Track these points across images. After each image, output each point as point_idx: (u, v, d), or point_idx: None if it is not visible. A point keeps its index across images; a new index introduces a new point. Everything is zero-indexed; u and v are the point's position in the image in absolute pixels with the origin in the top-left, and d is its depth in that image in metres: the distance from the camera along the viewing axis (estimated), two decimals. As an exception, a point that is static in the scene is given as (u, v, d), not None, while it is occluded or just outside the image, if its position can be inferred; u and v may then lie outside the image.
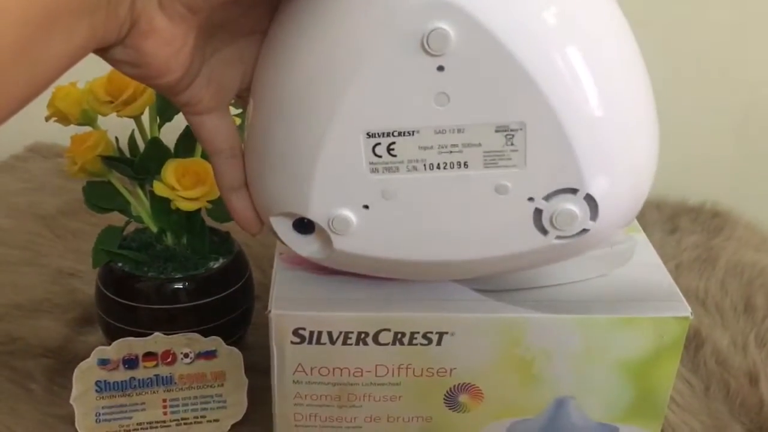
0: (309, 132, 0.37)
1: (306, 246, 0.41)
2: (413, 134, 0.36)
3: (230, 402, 0.53)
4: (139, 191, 0.56)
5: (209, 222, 0.57)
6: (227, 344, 0.53)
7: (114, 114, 0.52)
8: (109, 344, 0.52)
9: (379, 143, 0.36)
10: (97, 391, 0.52)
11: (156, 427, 0.52)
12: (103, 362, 0.52)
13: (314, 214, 0.39)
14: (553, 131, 0.35)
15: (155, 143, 0.53)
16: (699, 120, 0.87)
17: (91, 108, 0.52)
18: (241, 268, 0.57)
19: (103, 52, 0.33)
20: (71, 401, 0.51)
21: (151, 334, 0.52)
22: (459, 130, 0.35)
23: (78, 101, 0.53)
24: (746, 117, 0.88)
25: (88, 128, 0.55)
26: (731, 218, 0.79)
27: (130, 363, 0.52)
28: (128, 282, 0.54)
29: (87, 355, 0.51)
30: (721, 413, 0.56)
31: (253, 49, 0.38)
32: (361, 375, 0.44)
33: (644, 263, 0.47)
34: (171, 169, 0.52)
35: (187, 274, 0.55)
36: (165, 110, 0.55)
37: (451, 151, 0.36)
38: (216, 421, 0.53)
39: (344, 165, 0.37)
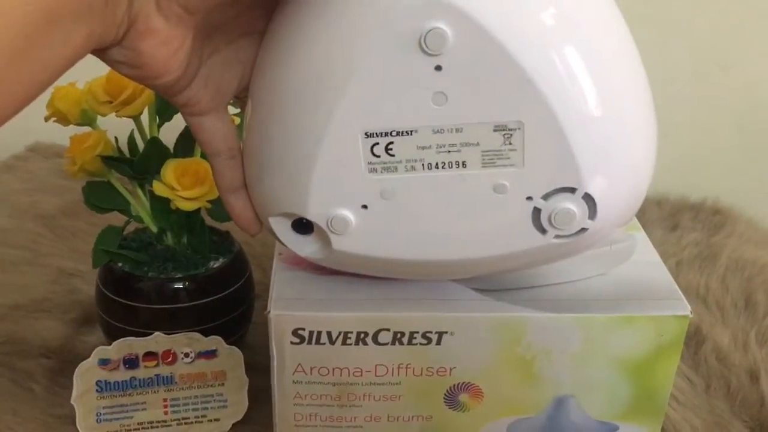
0: (307, 132, 0.37)
1: (305, 246, 0.41)
2: (411, 134, 0.36)
3: (231, 401, 0.53)
4: (139, 191, 0.56)
5: (209, 221, 0.57)
6: (228, 344, 0.53)
7: (113, 114, 0.52)
8: (110, 344, 0.52)
9: (377, 143, 0.36)
10: (97, 390, 0.52)
11: (157, 427, 0.52)
12: (104, 362, 0.52)
13: (313, 215, 0.39)
14: (551, 130, 0.35)
15: (154, 143, 0.53)
16: (699, 116, 0.87)
17: (90, 108, 0.52)
18: (242, 267, 0.57)
19: (100, 53, 0.34)
20: (72, 401, 0.51)
21: (152, 333, 0.52)
22: (457, 130, 0.35)
23: (77, 101, 0.53)
24: (747, 113, 0.88)
25: (87, 128, 0.55)
26: (732, 215, 0.79)
27: (131, 363, 0.52)
28: (128, 282, 0.54)
29: (88, 355, 0.51)
30: (721, 411, 0.55)
31: (251, 49, 0.38)
32: (361, 375, 0.44)
33: (644, 262, 0.47)
34: (170, 169, 0.52)
35: (187, 273, 0.55)
36: (164, 110, 0.55)
37: (449, 151, 0.36)
38: (216, 420, 0.53)
39: (343, 165, 0.37)
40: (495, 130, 0.35)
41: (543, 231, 0.37)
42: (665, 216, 0.78)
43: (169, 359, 0.52)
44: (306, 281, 0.45)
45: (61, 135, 0.57)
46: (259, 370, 0.52)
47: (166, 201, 0.52)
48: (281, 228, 0.41)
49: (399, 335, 0.43)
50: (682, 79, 0.84)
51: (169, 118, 0.55)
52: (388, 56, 0.34)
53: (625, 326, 0.43)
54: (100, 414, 0.52)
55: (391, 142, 0.36)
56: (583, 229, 0.37)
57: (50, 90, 0.53)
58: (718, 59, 0.84)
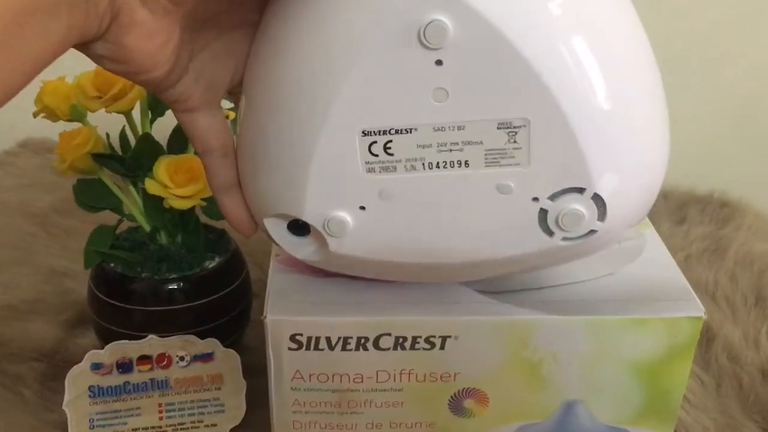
0: (302, 130, 0.35)
1: (301, 248, 0.40)
2: (411, 132, 0.34)
3: (228, 405, 0.51)
4: (131, 189, 0.54)
5: (204, 219, 0.55)
6: (224, 346, 0.51)
7: (103, 110, 0.50)
8: (103, 347, 0.51)
9: (375, 142, 0.35)
10: (90, 396, 0.50)
11: (152, 433, 0.51)
12: (97, 366, 0.51)
13: (309, 216, 0.37)
14: (559, 127, 0.33)
15: (146, 139, 0.51)
16: (706, 107, 0.85)
17: (79, 104, 0.50)
18: (238, 266, 0.56)
19: (83, 47, 0.32)
20: (64, 407, 0.50)
21: (146, 336, 0.50)
22: (459, 128, 0.34)
23: (66, 96, 0.52)
24: (754, 104, 0.86)
25: (78, 124, 0.53)
26: (740, 208, 0.77)
27: (124, 367, 0.51)
28: (121, 283, 0.53)
29: (81, 359, 0.50)
30: (733, 410, 0.54)
31: (244, 43, 0.37)
32: (362, 381, 0.42)
33: (654, 260, 0.45)
34: (163, 166, 0.50)
35: (182, 274, 0.53)
36: (156, 105, 0.53)
37: (451, 150, 0.34)
38: (214, 425, 0.51)
39: (339, 164, 0.35)
40: (499, 128, 0.33)
41: (550, 233, 0.36)
42: (672, 209, 0.77)
43: (164, 363, 0.51)
44: (304, 284, 0.43)
45: (53, 130, 0.55)
46: (257, 372, 0.50)
47: (159, 199, 0.51)
48: (276, 229, 0.39)
49: (401, 340, 0.41)
50: (689, 69, 0.82)
51: (162, 114, 0.54)
52: (386, 51, 0.32)
53: (636, 328, 0.41)
54: (93, 420, 0.50)
55: (390, 141, 0.35)
56: (592, 231, 0.36)
57: (39, 85, 0.52)
58: (725, 48, 0.83)
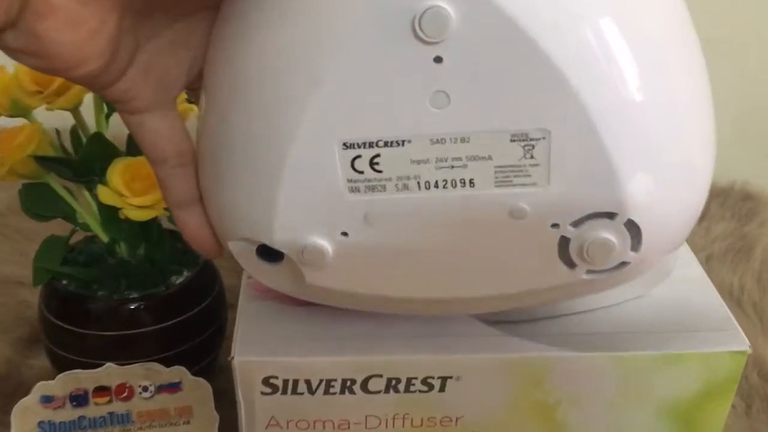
0: (271, 139, 0.29)
1: (273, 277, 0.34)
2: (403, 144, 0.28)
3: (199, 441, 0.46)
4: (86, 194, 0.48)
5: (169, 225, 0.48)
6: (196, 370, 0.46)
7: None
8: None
9: (359, 156, 0.29)
10: (41, 433, 0.45)
11: (112, 474, 0.45)
12: (47, 399, 0.45)
13: (280, 243, 0.31)
14: (587, 140, 0.27)
15: (98, 139, 0.45)
16: (723, 91, 0.78)
17: (18, 99, 0.44)
18: (210, 280, 0.50)
19: None
20: (11, 446, 0.44)
21: (103, 364, 0.45)
22: (463, 140, 0.28)
23: (6, 89, 0.45)
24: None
25: (23, 120, 0.47)
26: (763, 200, 0.71)
27: (79, 399, 0.45)
28: (75, 303, 0.47)
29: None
30: (766, 435, 0.48)
31: (203, 30, 0.31)
32: (348, 428, 0.36)
33: (686, 279, 0.39)
34: (118, 171, 0.44)
35: (144, 292, 0.47)
36: (112, 98, 0.46)
37: (452, 166, 0.28)
38: (182, 464, 0.46)
39: (316, 182, 0.30)
40: (513, 141, 0.27)
41: (572, 265, 0.30)
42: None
43: (125, 394, 0.45)
44: (279, 315, 0.37)
45: (11, 120, 0.49)
46: (233, 401, 0.44)
47: (116, 208, 0.44)
48: (244, 255, 0.33)
49: (393, 382, 0.35)
50: (707, 51, 0.76)
51: (119, 108, 0.47)
52: (373, 44, 0.27)
53: (670, 365, 0.35)
54: (45, 461, 0.45)
55: (377, 155, 0.29)
56: (624, 264, 0.29)
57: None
58: (749, 29, 0.76)
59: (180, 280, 0.48)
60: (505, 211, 0.29)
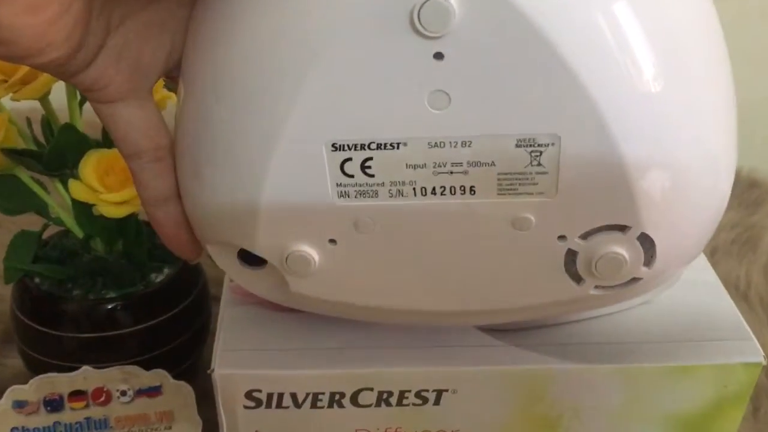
0: (254, 138, 0.27)
1: (256, 282, 0.32)
2: (398, 147, 0.26)
3: (181, 447, 0.44)
4: (59, 186, 0.45)
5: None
6: (178, 373, 0.44)
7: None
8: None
9: (349, 158, 0.26)
10: (13, 440, 0.43)
11: (89, 483, 0.43)
12: (20, 404, 0.43)
13: (263, 250, 0.29)
14: (600, 147, 0.24)
15: (68, 130, 0.42)
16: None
17: (-18, 87, 0.41)
18: (192, 277, 0.47)
19: None
20: (-19, 454, 0.42)
21: (79, 367, 0.42)
22: (464, 144, 0.26)
23: (-29, 76, 0.42)
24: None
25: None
26: (771, 188, 0.69)
27: (53, 404, 0.43)
28: (48, 303, 0.44)
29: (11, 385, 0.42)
30: (772, 439, 0.47)
31: (181, 11, 0.29)
32: (337, 442, 0.34)
33: (697, 283, 0.37)
34: (91, 165, 0.41)
35: (122, 291, 0.44)
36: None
37: (451, 172, 0.26)
38: (163, 471, 0.44)
39: (303, 185, 0.27)
40: (518, 146, 0.25)
41: (578, 280, 0.27)
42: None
43: (102, 399, 0.43)
44: (262, 323, 0.35)
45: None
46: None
47: (90, 204, 0.42)
48: (224, 259, 0.31)
49: (385, 395, 0.33)
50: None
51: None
52: (367, 38, 0.24)
53: (679, 377, 0.33)
54: (18, 470, 0.42)
55: (369, 158, 0.26)
56: (635, 279, 0.27)
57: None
58: (758, 5, 0.74)
59: (160, 278, 0.45)
60: (507, 221, 0.26)
